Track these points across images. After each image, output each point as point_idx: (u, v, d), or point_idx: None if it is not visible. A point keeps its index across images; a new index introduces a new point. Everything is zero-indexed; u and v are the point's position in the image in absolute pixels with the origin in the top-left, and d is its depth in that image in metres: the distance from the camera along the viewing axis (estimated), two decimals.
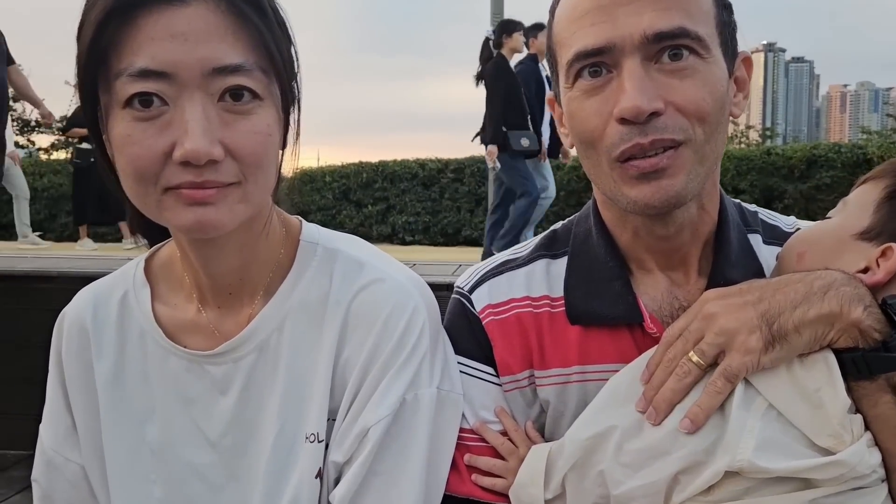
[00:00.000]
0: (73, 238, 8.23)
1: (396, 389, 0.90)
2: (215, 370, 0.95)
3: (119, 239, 8.04)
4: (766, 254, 1.00)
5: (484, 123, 5.74)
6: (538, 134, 5.75)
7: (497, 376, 1.02)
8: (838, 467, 0.75)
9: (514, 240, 5.38)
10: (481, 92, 5.72)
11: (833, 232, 0.93)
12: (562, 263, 1.04)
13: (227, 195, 0.82)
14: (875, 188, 0.91)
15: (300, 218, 1.04)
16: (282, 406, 0.93)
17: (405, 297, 0.95)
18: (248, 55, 0.82)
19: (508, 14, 6.63)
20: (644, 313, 0.96)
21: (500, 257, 1.10)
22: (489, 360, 1.02)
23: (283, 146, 0.91)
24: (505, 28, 5.76)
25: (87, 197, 7.68)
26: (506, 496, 0.96)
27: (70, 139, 9.48)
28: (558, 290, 1.02)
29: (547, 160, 6.03)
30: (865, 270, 0.85)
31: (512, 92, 5.57)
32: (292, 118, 0.92)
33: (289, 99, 0.90)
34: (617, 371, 0.92)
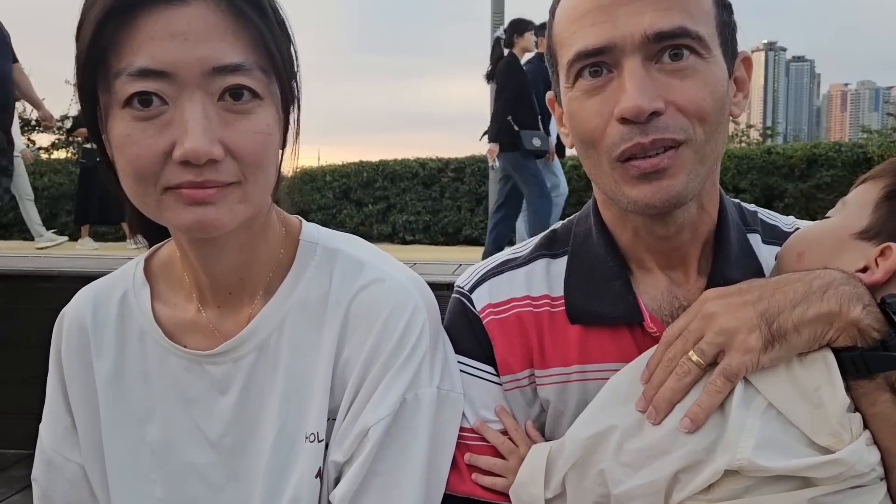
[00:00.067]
0: (74, 237, 8.22)
1: (396, 389, 0.91)
2: (215, 370, 0.95)
3: (121, 238, 8.00)
4: (766, 253, 1.00)
5: (492, 121, 5.73)
6: (548, 133, 5.72)
7: (497, 375, 1.02)
8: (837, 466, 0.75)
9: None
10: (482, 91, 5.70)
11: (832, 231, 0.93)
12: (562, 263, 1.04)
13: (226, 195, 0.82)
14: (874, 188, 0.92)
15: (300, 217, 1.04)
16: (282, 406, 0.94)
17: (405, 297, 0.95)
18: (247, 54, 0.82)
19: (508, 14, 6.62)
20: (644, 313, 0.96)
21: (500, 257, 1.10)
22: (489, 359, 1.02)
23: (283, 145, 0.91)
24: (516, 27, 5.72)
25: (91, 197, 7.66)
26: (506, 495, 0.96)
27: (75, 139, 9.44)
28: (558, 290, 1.02)
29: (556, 159, 5.99)
30: (864, 270, 0.85)
31: (523, 92, 5.53)
32: (292, 117, 0.92)
33: (289, 98, 0.90)
34: (617, 370, 0.92)
